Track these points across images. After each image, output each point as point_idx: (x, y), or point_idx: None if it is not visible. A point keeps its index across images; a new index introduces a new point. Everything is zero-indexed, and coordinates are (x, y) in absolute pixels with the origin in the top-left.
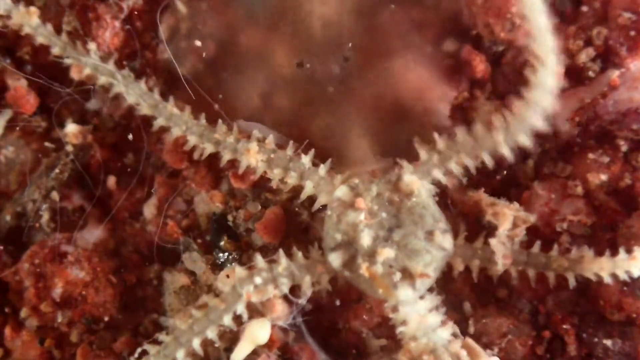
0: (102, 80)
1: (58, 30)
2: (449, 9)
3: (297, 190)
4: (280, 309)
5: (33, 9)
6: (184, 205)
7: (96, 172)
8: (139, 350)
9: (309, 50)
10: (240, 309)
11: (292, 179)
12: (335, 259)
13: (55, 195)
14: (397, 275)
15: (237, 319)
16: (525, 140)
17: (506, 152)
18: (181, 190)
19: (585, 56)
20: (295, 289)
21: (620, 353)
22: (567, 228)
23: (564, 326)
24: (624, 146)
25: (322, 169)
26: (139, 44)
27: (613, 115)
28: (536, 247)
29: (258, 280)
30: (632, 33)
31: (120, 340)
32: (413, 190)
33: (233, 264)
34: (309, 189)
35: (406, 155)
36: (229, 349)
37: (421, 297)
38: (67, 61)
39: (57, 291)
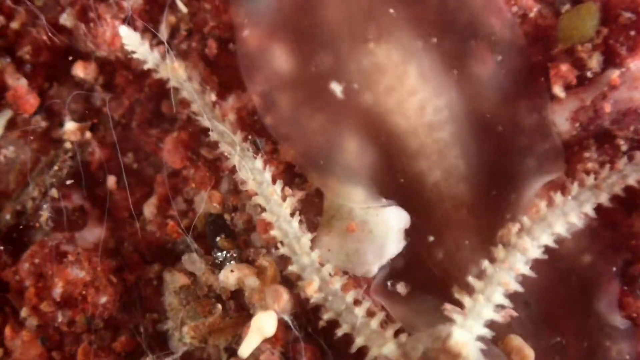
0: (223, 147)
1: None
2: None
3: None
4: (285, 298)
5: (178, 63)
6: (184, 205)
7: (96, 171)
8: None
9: None
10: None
11: (341, 330)
12: None
13: (54, 192)
14: None
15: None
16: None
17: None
18: (181, 190)
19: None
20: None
21: None
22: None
23: None
24: (624, 146)
25: (375, 322)
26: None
27: (613, 115)
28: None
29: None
30: (632, 33)
31: (120, 340)
32: (461, 353)
33: (232, 262)
34: (359, 342)
35: None
36: (229, 349)
37: None
38: (199, 119)
39: (57, 291)
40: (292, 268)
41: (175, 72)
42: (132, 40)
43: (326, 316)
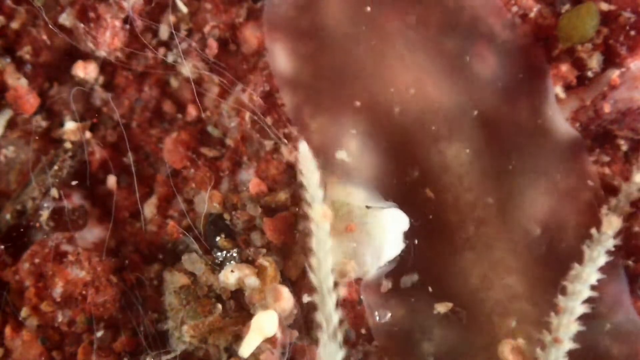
0: (318, 316)
1: None
2: None
3: None
4: (286, 297)
5: (329, 212)
6: (185, 205)
7: (96, 171)
8: None
9: None
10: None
11: None
12: None
13: (55, 192)
14: None
15: None
16: None
17: None
18: (181, 190)
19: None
20: None
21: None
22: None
23: None
24: (624, 146)
25: None
26: (139, 44)
27: (613, 115)
28: None
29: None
30: (632, 33)
31: (120, 340)
32: None
33: (232, 262)
34: None
35: None
36: (229, 349)
37: None
38: (310, 273)
39: (58, 291)
40: None
41: (324, 218)
42: (308, 163)
43: None
